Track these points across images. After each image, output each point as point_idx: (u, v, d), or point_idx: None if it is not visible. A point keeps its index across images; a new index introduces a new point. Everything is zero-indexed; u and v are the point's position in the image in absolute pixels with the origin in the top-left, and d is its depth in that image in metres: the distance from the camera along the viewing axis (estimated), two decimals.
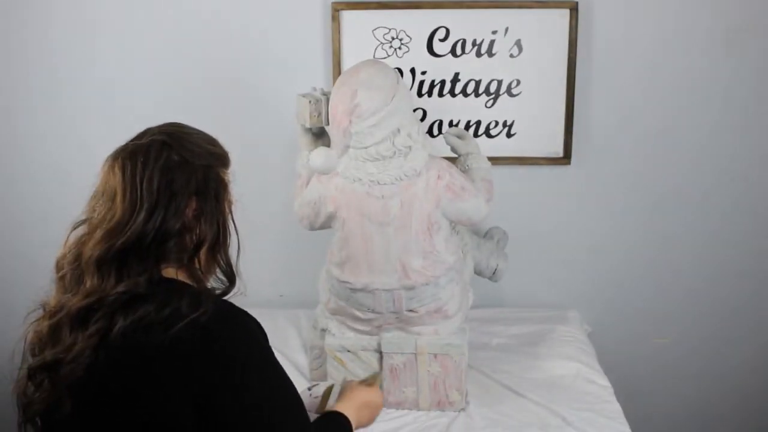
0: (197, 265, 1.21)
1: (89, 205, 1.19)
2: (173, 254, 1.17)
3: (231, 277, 1.24)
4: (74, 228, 1.19)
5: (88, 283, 1.13)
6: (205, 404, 1.10)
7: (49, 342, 1.15)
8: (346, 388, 1.49)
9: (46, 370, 1.14)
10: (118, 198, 1.14)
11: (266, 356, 1.18)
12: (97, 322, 1.12)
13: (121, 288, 1.12)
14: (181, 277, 1.20)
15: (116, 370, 1.12)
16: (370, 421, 1.46)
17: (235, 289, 1.24)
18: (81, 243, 1.16)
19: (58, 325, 1.14)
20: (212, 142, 1.25)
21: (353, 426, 1.37)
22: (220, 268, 1.24)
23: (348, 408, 1.40)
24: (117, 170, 1.15)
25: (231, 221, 1.25)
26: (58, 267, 1.19)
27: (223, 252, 1.23)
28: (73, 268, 1.16)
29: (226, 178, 1.25)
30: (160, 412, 1.10)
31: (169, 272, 1.18)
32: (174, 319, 1.10)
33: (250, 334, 1.17)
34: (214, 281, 1.24)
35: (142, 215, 1.13)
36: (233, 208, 1.26)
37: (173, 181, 1.16)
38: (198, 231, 1.19)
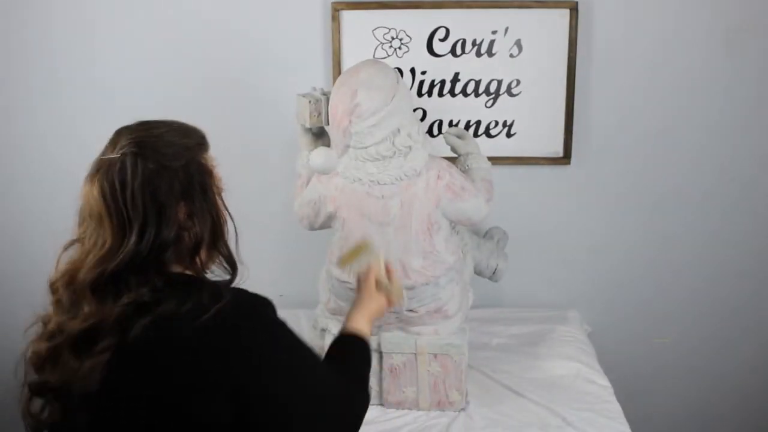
0: (199, 262, 1.20)
1: (79, 228, 1.17)
2: (173, 259, 1.16)
3: (233, 265, 1.23)
4: (65, 249, 1.18)
5: (86, 308, 1.12)
6: (237, 392, 1.11)
7: (47, 363, 1.14)
8: (360, 298, 1.54)
9: (52, 390, 1.14)
10: (105, 223, 1.12)
11: (289, 335, 1.21)
12: (105, 338, 1.10)
13: (124, 300, 1.11)
14: (188, 271, 1.20)
15: (138, 372, 1.12)
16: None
17: (238, 276, 1.23)
18: (74, 267, 1.14)
19: (57, 348, 1.13)
20: (185, 133, 1.21)
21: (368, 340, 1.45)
22: (222, 257, 1.22)
23: (363, 324, 1.47)
24: (97, 194, 1.13)
25: (223, 208, 1.23)
26: (53, 290, 1.17)
27: (221, 242, 1.22)
28: (69, 293, 1.14)
29: (208, 164, 1.22)
30: (188, 405, 1.11)
31: (177, 268, 1.18)
32: (197, 311, 1.10)
33: (272, 318, 1.19)
34: (216, 267, 1.23)
35: (134, 237, 1.11)
36: (223, 193, 1.24)
37: (156, 191, 1.13)
38: (194, 230, 1.18)
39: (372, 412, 1.88)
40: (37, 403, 1.17)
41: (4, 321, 2.49)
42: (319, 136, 1.93)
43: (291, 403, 1.17)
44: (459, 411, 1.89)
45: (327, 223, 1.88)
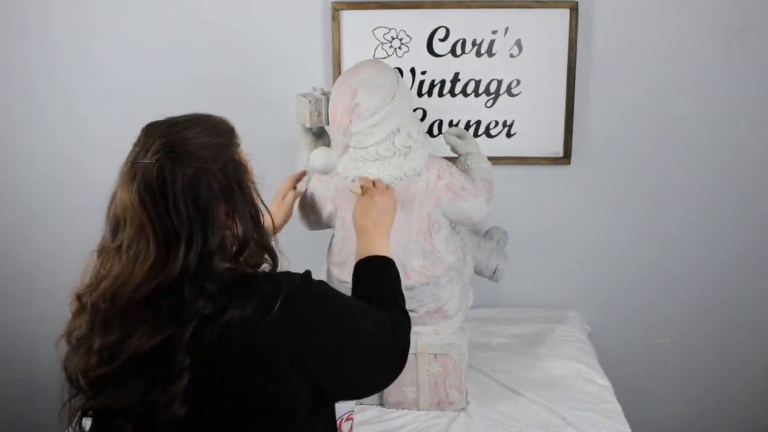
0: (242, 259, 1.20)
1: (114, 236, 1.13)
2: (220, 260, 1.14)
3: (273, 255, 1.22)
4: (102, 259, 1.14)
5: (143, 326, 1.08)
6: (312, 371, 1.15)
7: (107, 386, 1.11)
8: (365, 210, 1.55)
9: (122, 416, 1.11)
10: (149, 233, 1.09)
11: (337, 296, 1.25)
12: (176, 359, 1.08)
13: (187, 316, 1.08)
14: (233, 265, 1.19)
15: (219, 382, 1.11)
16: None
17: (279, 266, 1.23)
18: (118, 284, 1.10)
19: (118, 372, 1.09)
20: (216, 130, 1.19)
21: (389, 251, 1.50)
22: (261, 248, 1.21)
23: (384, 239, 1.50)
24: (137, 202, 1.09)
25: (259, 201, 1.22)
26: (93, 306, 1.12)
27: (260, 235, 1.21)
28: (114, 311, 1.10)
29: (241, 158, 1.21)
30: (274, 399, 1.13)
31: (224, 264, 1.16)
32: (264, 306, 1.11)
33: (321, 288, 1.23)
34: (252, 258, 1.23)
35: (182, 249, 1.09)
36: (257, 186, 1.23)
37: (198, 197, 1.11)
38: (236, 228, 1.17)
39: (372, 412, 1.88)
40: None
41: (3, 316, 2.50)
42: (319, 136, 1.93)
43: (358, 362, 1.23)
44: (459, 411, 1.89)
45: (327, 223, 1.88)
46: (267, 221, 1.23)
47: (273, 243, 1.23)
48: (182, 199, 1.10)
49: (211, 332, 1.08)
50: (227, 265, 1.17)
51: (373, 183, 1.65)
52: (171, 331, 1.08)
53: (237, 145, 1.23)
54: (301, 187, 1.83)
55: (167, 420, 1.08)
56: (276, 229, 1.68)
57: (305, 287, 1.19)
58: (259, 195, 1.23)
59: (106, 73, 2.32)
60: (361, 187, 1.65)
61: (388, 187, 1.65)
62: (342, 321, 1.21)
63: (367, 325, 1.26)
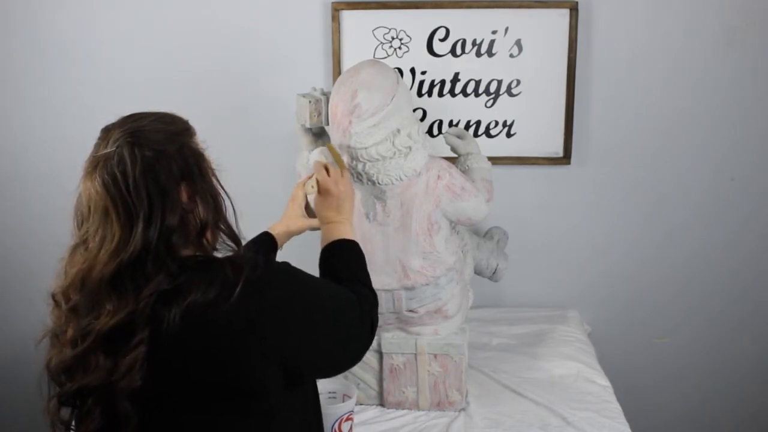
0: (206, 242, 1.22)
1: (80, 229, 1.17)
2: (181, 243, 1.17)
3: (236, 240, 1.24)
4: (71, 255, 1.18)
5: (108, 305, 1.12)
6: (280, 353, 1.17)
7: (78, 370, 1.14)
8: (324, 202, 1.57)
9: (90, 395, 1.14)
10: (112, 215, 1.13)
11: (301, 277, 1.26)
12: (136, 332, 1.11)
13: (147, 292, 1.12)
14: (198, 252, 1.21)
15: (180, 360, 1.14)
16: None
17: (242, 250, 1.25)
18: (86, 268, 1.14)
19: (86, 353, 1.13)
20: (169, 121, 1.23)
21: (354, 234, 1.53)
22: (224, 234, 1.24)
23: (346, 224, 1.53)
24: (99, 188, 1.13)
25: (220, 188, 1.25)
26: (65, 298, 1.17)
27: (223, 221, 1.24)
28: (84, 295, 1.14)
29: (199, 147, 1.25)
30: (237, 379, 1.15)
31: (186, 251, 1.19)
32: (226, 289, 1.13)
33: (284, 269, 1.24)
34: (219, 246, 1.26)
35: (141, 224, 1.12)
36: (217, 173, 1.26)
37: (157, 176, 1.15)
38: (197, 211, 1.20)
39: (372, 412, 1.88)
40: (65, 413, 1.18)
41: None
42: (319, 136, 1.93)
43: (326, 339, 1.26)
44: (459, 411, 1.89)
45: None
46: (229, 208, 1.26)
47: (236, 230, 1.26)
48: (142, 179, 1.14)
49: (174, 316, 1.11)
50: (191, 252, 1.20)
51: (327, 172, 1.62)
52: (133, 307, 1.11)
53: (192, 134, 1.26)
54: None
55: (123, 389, 1.11)
56: (289, 235, 1.70)
57: (267, 269, 1.20)
58: (220, 182, 1.26)
59: (108, 71, 2.32)
60: (318, 185, 1.61)
61: (343, 173, 1.63)
62: (306, 300, 1.23)
63: (332, 302, 1.29)
